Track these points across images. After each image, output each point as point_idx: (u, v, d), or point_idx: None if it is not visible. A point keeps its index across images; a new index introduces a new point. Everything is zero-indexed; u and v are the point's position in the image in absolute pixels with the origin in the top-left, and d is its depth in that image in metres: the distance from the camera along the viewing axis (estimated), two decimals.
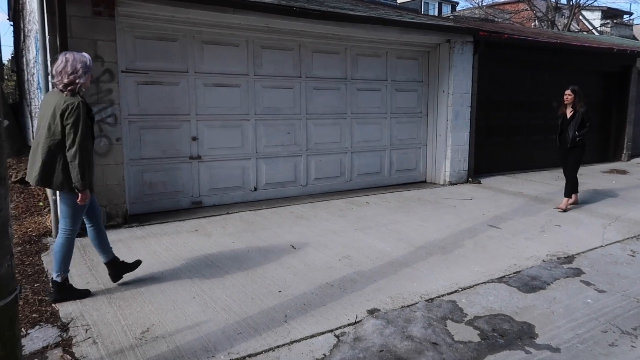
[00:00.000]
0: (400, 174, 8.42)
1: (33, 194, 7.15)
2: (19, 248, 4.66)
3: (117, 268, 3.84)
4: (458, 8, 37.66)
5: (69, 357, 2.79)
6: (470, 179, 8.61)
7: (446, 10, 39.20)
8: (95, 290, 3.71)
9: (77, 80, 3.27)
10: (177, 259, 4.47)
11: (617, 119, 11.85)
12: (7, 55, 30.01)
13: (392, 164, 8.30)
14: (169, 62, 6.11)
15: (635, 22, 34.96)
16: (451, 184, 8.37)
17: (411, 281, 4.05)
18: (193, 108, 6.33)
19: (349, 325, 3.24)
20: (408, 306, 3.56)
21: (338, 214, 6.26)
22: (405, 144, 8.42)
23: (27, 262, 4.32)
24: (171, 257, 4.52)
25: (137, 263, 3.97)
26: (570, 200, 6.75)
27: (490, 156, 9.45)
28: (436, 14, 35.45)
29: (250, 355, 2.85)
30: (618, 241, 5.28)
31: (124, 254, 4.47)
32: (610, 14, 32.57)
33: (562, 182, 8.78)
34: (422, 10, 33.91)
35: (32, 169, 3.32)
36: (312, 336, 3.08)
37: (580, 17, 30.96)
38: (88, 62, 3.35)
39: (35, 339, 3.00)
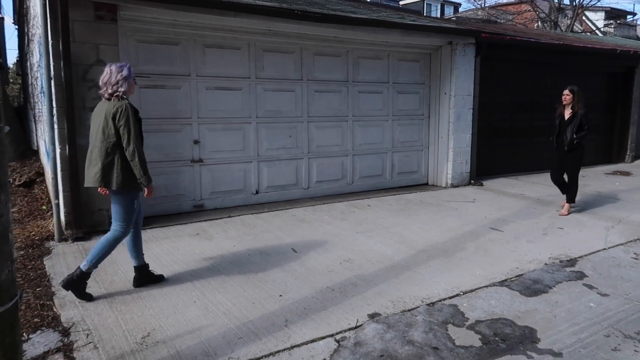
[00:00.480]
0: (402, 177, 8.41)
1: (37, 197, 7.17)
2: (22, 252, 4.67)
3: (144, 275, 3.93)
4: (460, 9, 37.65)
5: None
6: (472, 181, 8.60)
7: (449, 11, 39.19)
8: (97, 294, 3.72)
9: (119, 89, 3.54)
10: (178, 262, 4.48)
11: (620, 120, 11.81)
12: (12, 59, 30.21)
13: (394, 167, 8.29)
14: (171, 66, 6.13)
15: (639, 22, 34.82)
16: (453, 186, 8.36)
17: (412, 285, 4.04)
18: (195, 111, 6.34)
19: (349, 329, 3.24)
20: (409, 310, 3.55)
21: (340, 216, 6.25)
22: (407, 146, 8.41)
23: (29, 266, 4.34)
24: (172, 260, 4.53)
25: (161, 278, 4.04)
26: (564, 205, 6.61)
27: (493, 158, 9.43)
28: (439, 15, 35.44)
29: None
30: (621, 244, 5.25)
31: (126, 258, 4.47)
32: (614, 15, 32.48)
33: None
34: (425, 11, 33.92)
35: (91, 172, 3.56)
36: (312, 341, 3.07)
37: (584, 17, 30.88)
38: (126, 72, 3.58)
39: (36, 344, 3.01)
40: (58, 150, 5.15)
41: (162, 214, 6.15)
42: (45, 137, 5.76)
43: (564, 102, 6.50)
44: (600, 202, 7.26)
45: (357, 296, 3.79)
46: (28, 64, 11.41)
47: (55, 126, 5.13)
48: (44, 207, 6.48)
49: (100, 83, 3.61)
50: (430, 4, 38.87)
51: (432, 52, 8.40)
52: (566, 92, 6.48)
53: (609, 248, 5.10)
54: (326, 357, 2.90)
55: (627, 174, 10.15)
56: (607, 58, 11.03)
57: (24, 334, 3.07)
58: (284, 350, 2.97)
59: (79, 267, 3.60)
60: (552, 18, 26.35)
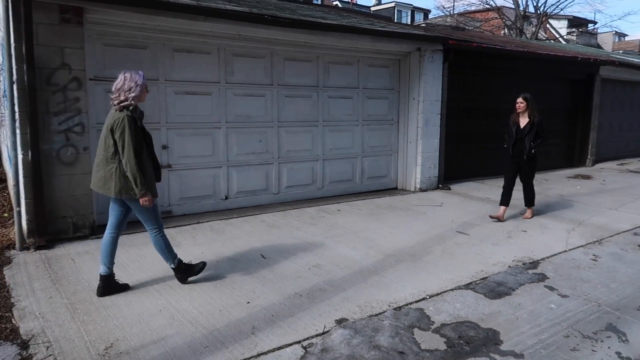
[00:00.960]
0: (371, 181, 8.49)
1: None
2: None
3: (108, 285, 3.87)
4: (430, 16, 38.27)
5: None
6: (440, 185, 8.74)
7: (419, 18, 39.81)
8: (58, 304, 3.63)
9: (129, 96, 3.64)
10: (145, 270, 4.41)
11: (581, 125, 12.21)
12: None
13: (364, 171, 8.36)
14: (139, 70, 6.02)
15: (599, 30, 36.11)
16: (422, 190, 8.48)
17: (380, 289, 4.08)
18: (163, 116, 6.27)
19: (316, 335, 3.25)
20: (376, 315, 3.59)
21: (309, 222, 6.27)
22: (377, 151, 8.50)
23: None
24: (138, 268, 4.45)
25: (126, 287, 3.98)
26: (500, 213, 6.49)
27: (460, 162, 9.61)
28: (409, 21, 35.96)
29: None
30: (581, 246, 5.43)
31: (91, 267, 4.40)
32: (576, 23, 33.61)
33: None
34: (395, 18, 34.38)
35: (95, 177, 3.75)
36: (279, 348, 3.07)
37: (548, 25, 31.85)
38: (138, 79, 3.71)
39: None
40: (20, 156, 5.00)
41: (129, 221, 6.00)
42: (7, 142, 5.60)
43: (518, 110, 6.44)
44: (563, 205, 7.49)
45: (325, 302, 3.81)
46: None
47: (18, 131, 4.99)
48: (6, 215, 6.28)
49: (113, 89, 3.68)
50: (401, 11, 39.44)
51: (402, 58, 8.52)
52: (519, 99, 6.43)
53: (569, 250, 5.27)
54: None
55: (587, 177, 10.50)
56: (569, 65, 11.41)
57: None
58: (250, 358, 2.96)
59: (173, 270, 4.07)
60: (518, 26, 27.08)
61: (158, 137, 6.24)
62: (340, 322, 3.46)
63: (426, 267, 4.67)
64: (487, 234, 5.85)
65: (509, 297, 3.99)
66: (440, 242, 5.49)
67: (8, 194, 7.18)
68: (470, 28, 25.56)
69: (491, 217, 6.43)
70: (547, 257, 5.01)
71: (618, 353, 3.12)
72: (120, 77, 3.70)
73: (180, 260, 4.09)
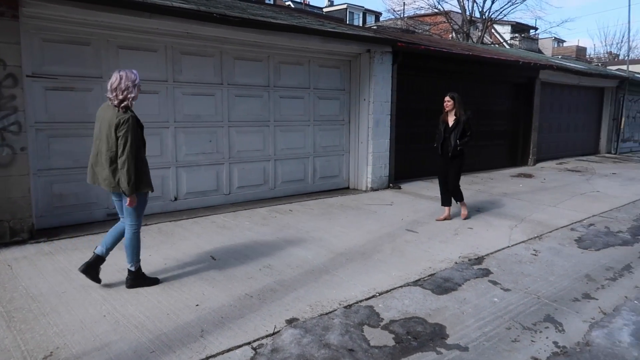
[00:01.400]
0: (323, 181, 8.53)
1: None
2: None
3: (96, 264, 4.00)
4: (381, 19, 38.92)
5: None
6: (391, 184, 8.90)
7: (370, 20, 40.40)
8: None
9: (129, 96, 3.68)
10: None
11: (523, 126, 12.76)
12: None
13: (316, 171, 8.40)
14: (81, 67, 5.81)
15: (540, 36, 37.88)
16: (373, 189, 8.61)
17: (331, 288, 4.11)
18: None
19: (267, 336, 3.23)
20: (327, 314, 3.61)
21: (261, 222, 6.22)
22: (328, 151, 8.55)
23: None
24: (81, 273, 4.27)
25: (98, 280, 4.05)
26: (445, 214, 6.57)
27: (410, 162, 9.82)
28: (360, 23, 36.40)
29: None
30: (523, 241, 5.67)
31: (29, 273, 4.19)
32: (519, 29, 35.12)
33: (476, 186, 9.33)
34: (347, 20, 34.71)
35: (101, 175, 3.77)
36: (228, 350, 3.03)
37: (493, 30, 33.10)
38: (136, 79, 3.73)
39: None
40: None
41: (72, 224, 5.80)
42: None
43: (446, 109, 6.45)
44: (506, 203, 7.80)
45: (276, 302, 3.79)
46: None
47: None
48: None
49: (109, 88, 3.69)
50: (353, 13, 39.90)
51: (352, 59, 8.62)
52: (447, 98, 6.46)
53: (512, 246, 5.49)
54: None
55: (529, 176, 10.99)
56: (512, 69, 11.90)
57: None
58: None
59: (128, 270, 3.98)
60: (465, 30, 27.99)
61: None
62: (290, 322, 3.46)
63: (376, 265, 4.74)
64: (435, 231, 6.00)
65: (455, 293, 4.11)
66: (391, 240, 5.59)
67: None
68: (419, 31, 26.19)
69: (437, 220, 6.54)
70: (492, 253, 5.20)
71: (555, 342, 3.28)
72: (115, 75, 3.70)
73: (139, 267, 4.04)
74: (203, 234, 5.63)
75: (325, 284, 4.20)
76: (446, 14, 28.89)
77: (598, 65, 28.56)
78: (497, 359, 3.05)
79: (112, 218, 6.11)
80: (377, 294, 4.01)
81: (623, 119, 17.12)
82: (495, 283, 4.35)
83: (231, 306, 3.69)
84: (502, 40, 33.08)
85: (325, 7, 40.18)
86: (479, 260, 4.97)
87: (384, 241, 5.54)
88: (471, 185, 9.40)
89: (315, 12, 21.44)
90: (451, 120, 6.44)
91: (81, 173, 5.86)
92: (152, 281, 4.08)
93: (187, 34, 6.43)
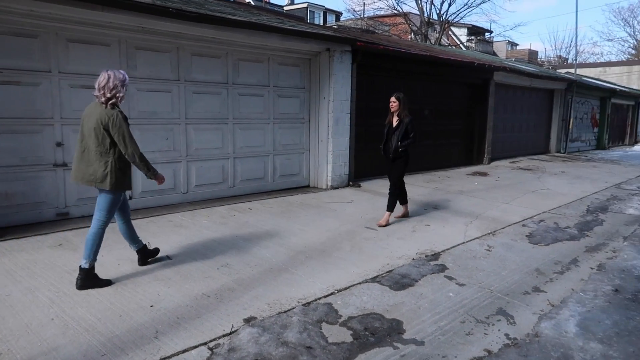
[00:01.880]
0: (284, 179, 8.50)
1: None
2: None
3: (145, 254, 4.44)
4: (342, 18, 39.14)
5: None
6: (350, 182, 8.96)
7: (331, 19, 40.55)
8: None
9: (117, 95, 3.79)
10: (36, 277, 4.06)
11: (479, 126, 13.12)
12: None
13: (276, 170, 8.35)
14: (27, 61, 5.56)
15: (495, 39, 39.05)
16: (333, 188, 8.64)
17: (290, 286, 4.09)
18: (57, 111, 5.82)
19: (224, 336, 3.18)
20: (285, 312, 3.59)
21: (219, 221, 6.13)
22: (289, 149, 8.52)
23: None
24: (28, 275, 4.09)
25: (157, 250, 4.60)
26: (399, 214, 6.55)
27: (370, 161, 9.91)
28: (321, 23, 36.49)
29: None
30: (477, 237, 5.82)
31: None
32: (475, 31, 36.09)
33: (434, 184, 9.52)
34: (308, 19, 34.73)
35: (86, 171, 3.82)
36: (184, 351, 2.97)
37: (450, 32, 33.88)
38: (124, 79, 3.86)
39: None
40: None
41: (19, 224, 5.55)
42: None
43: (392, 109, 6.30)
44: (462, 200, 7.99)
45: (234, 301, 3.74)
46: None
47: None
48: None
49: (97, 87, 3.77)
50: (314, 12, 39.92)
51: (312, 57, 8.62)
52: (392, 98, 6.28)
53: (467, 242, 5.63)
54: None
55: (484, 174, 11.31)
56: (467, 70, 12.20)
57: None
58: None
59: (80, 267, 3.86)
60: (423, 31, 28.52)
61: (51, 133, 5.80)
62: (248, 321, 3.42)
63: (336, 262, 4.75)
64: (393, 229, 6.08)
65: (412, 288, 4.17)
66: (350, 237, 5.62)
67: None
68: (379, 32, 26.50)
69: (397, 217, 6.62)
70: (447, 249, 5.31)
71: (507, 335, 3.38)
72: (103, 74, 3.79)
73: (93, 266, 3.93)
74: (159, 233, 5.50)
75: (284, 282, 4.18)
76: (405, 15, 29.35)
77: (548, 68, 29.71)
78: (452, 353, 3.11)
79: (62, 218, 5.89)
80: (336, 291, 4.02)
81: (571, 120, 17.89)
82: (450, 278, 4.44)
83: (187, 306, 3.62)
84: (458, 42, 33.90)
85: (286, 5, 40.04)
86: (436, 256, 5.06)
87: (344, 239, 5.56)
88: (429, 184, 9.59)
89: (276, 10, 21.34)
90: (395, 121, 6.29)
91: (29, 171, 5.64)
92: (104, 282, 3.95)
93: (142, 29, 6.26)
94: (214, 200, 7.34)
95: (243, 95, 7.72)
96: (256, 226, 5.95)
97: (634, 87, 28.44)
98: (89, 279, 3.87)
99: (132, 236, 4.36)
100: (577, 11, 24.21)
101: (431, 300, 3.92)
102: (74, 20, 5.71)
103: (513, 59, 30.01)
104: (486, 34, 37.52)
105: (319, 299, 3.86)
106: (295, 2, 41.46)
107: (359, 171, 9.40)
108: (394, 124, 6.29)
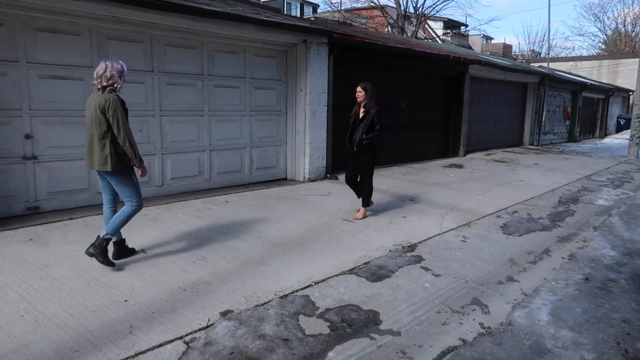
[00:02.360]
0: (261, 172, 8.45)
1: None
2: None
3: (122, 249, 4.38)
4: (319, 10, 38.96)
5: None
6: (328, 175, 8.97)
7: (308, 11, 40.31)
8: None
9: (115, 85, 3.96)
10: (4, 273, 3.94)
11: (455, 119, 13.26)
12: None
13: (253, 162, 8.29)
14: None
15: (470, 33, 39.45)
16: (310, 180, 8.63)
17: (267, 279, 4.07)
18: (26, 102, 5.64)
19: (200, 330, 3.15)
20: (262, 305, 3.57)
21: (195, 214, 6.06)
22: (265, 141, 8.47)
23: None
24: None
25: (133, 251, 4.51)
26: (359, 215, 6.22)
27: (347, 153, 9.87)
28: (298, 14, 36.25)
29: None
30: (453, 229, 5.90)
31: None
32: (450, 25, 36.39)
33: (410, 176, 9.59)
34: (285, 10, 34.43)
35: (92, 158, 4.00)
36: (159, 345, 2.93)
37: (426, 26, 34.07)
38: (122, 69, 4.02)
39: None
40: None
41: None
42: None
43: (358, 100, 6.08)
44: (438, 192, 8.08)
45: (210, 295, 3.71)
46: None
47: None
48: None
49: (95, 75, 3.94)
50: (290, 3, 39.61)
51: (288, 49, 8.55)
52: (359, 88, 6.02)
53: (443, 233, 5.69)
54: None
55: (460, 166, 11.45)
56: (443, 63, 12.30)
57: None
58: (127, 358, 2.78)
59: (98, 236, 4.04)
60: (400, 24, 28.61)
61: (20, 125, 5.63)
62: (225, 314, 3.39)
63: (313, 254, 4.75)
64: (370, 220, 6.11)
65: (389, 279, 4.20)
66: (327, 230, 5.63)
67: None
68: (356, 24, 26.47)
69: (355, 218, 6.26)
70: (424, 240, 5.36)
71: (481, 324, 3.43)
72: (102, 64, 3.94)
73: (109, 240, 4.12)
74: (134, 227, 5.38)
75: (261, 275, 4.16)
76: (382, 8, 29.37)
77: (522, 62, 30.20)
78: (428, 342, 3.15)
79: (33, 212, 5.75)
80: (313, 283, 4.02)
81: (544, 113, 18.25)
82: (426, 269, 4.48)
83: (163, 300, 3.57)
84: (435, 36, 34.13)
85: None
86: (412, 247, 5.11)
87: (321, 231, 5.56)
88: (405, 176, 9.66)
89: (252, 2, 21.09)
90: (361, 112, 6.07)
91: None
92: (111, 263, 4.10)
93: (113, 18, 6.10)
94: (190, 193, 7.25)
95: (219, 86, 7.62)
96: (233, 219, 5.90)
97: (604, 81, 29.19)
98: (99, 248, 4.03)
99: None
100: (549, 6, 24.64)
101: (407, 291, 3.96)
102: (42, 9, 5.53)
103: (488, 53, 30.41)
104: (462, 27, 37.87)
105: (296, 291, 3.86)
106: None
107: (337, 164, 9.39)
108: (360, 115, 6.07)
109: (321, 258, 4.65)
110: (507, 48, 42.37)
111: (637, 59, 15.07)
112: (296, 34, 8.15)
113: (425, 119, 12.44)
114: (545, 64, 23.06)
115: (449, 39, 34.84)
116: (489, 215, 6.64)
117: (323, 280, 4.10)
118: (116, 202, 4.31)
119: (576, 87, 21.35)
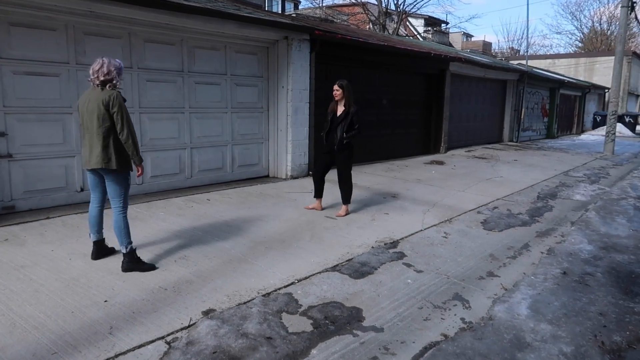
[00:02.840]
0: (243, 169, 8.39)
1: None
2: None
3: (101, 249, 4.32)
4: (300, 7, 38.83)
5: None
6: (310, 172, 8.94)
7: (289, 7, 40.13)
8: None
9: (114, 81, 3.91)
10: None
11: (436, 116, 13.36)
12: None
13: (235, 160, 8.23)
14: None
15: (451, 30, 39.79)
16: (293, 177, 8.61)
17: (249, 277, 4.05)
18: (0, 99, 5.50)
19: (182, 329, 3.12)
20: (245, 303, 3.55)
21: (177, 212, 6.00)
22: (247, 139, 8.41)
23: None
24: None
25: (112, 250, 4.41)
26: (342, 212, 6.19)
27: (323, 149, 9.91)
28: (280, 11, 36.07)
29: None
30: (435, 225, 5.94)
31: None
32: (431, 22, 36.64)
33: (392, 173, 9.64)
34: (266, 6, 34.21)
35: (92, 155, 3.89)
36: (140, 346, 2.89)
37: (407, 23, 34.25)
38: (120, 66, 3.99)
39: None
40: None
41: None
42: None
43: (336, 98, 6.05)
44: (420, 189, 8.13)
45: (192, 294, 3.67)
46: None
47: None
48: None
49: (91, 71, 3.89)
50: (272, 0, 39.41)
51: (270, 46, 8.50)
52: (336, 86, 6.00)
53: (424, 229, 5.73)
54: None
55: (441, 163, 11.55)
56: (424, 60, 12.37)
57: None
58: None
59: (122, 254, 4.06)
60: (381, 21, 28.69)
61: None
62: (207, 313, 3.36)
63: (296, 252, 4.74)
64: (353, 218, 6.12)
65: (371, 276, 4.21)
66: (310, 227, 5.62)
67: None
68: (338, 21, 26.47)
69: (306, 208, 6.41)
70: (406, 237, 5.39)
71: (462, 319, 3.47)
72: (98, 61, 3.90)
73: (133, 249, 4.10)
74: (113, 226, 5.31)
75: (244, 273, 4.13)
76: (363, 5, 29.42)
77: (502, 59, 30.58)
78: (410, 338, 3.17)
79: (8, 212, 5.62)
80: (296, 281, 4.02)
81: (523, 110, 18.52)
82: (409, 265, 4.51)
83: (143, 300, 3.52)
84: (416, 33, 34.35)
85: None
86: (394, 244, 5.13)
87: (304, 228, 5.55)
88: (387, 172, 9.71)
89: None
90: (340, 110, 6.04)
91: None
92: (148, 267, 4.09)
93: (90, 13, 5.98)
94: (171, 191, 7.17)
95: (200, 83, 7.54)
96: (215, 217, 5.85)
97: (581, 78, 29.74)
98: (132, 262, 4.04)
99: (99, 223, 4.26)
100: (528, 4, 24.98)
101: (390, 288, 3.98)
102: (15, 3, 5.40)
103: (468, 50, 30.71)
104: (442, 25, 38.17)
105: (279, 289, 3.85)
106: None
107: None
108: (339, 113, 6.05)
109: (304, 255, 4.64)
110: (487, 45, 42.88)
111: (613, 57, 15.38)
112: (277, 31, 8.11)
113: (407, 116, 12.50)
114: (524, 62, 23.39)
115: (430, 36, 35.10)
116: (469, 211, 6.71)
117: (306, 278, 4.09)
118: (104, 201, 4.23)
119: (554, 85, 21.71)
